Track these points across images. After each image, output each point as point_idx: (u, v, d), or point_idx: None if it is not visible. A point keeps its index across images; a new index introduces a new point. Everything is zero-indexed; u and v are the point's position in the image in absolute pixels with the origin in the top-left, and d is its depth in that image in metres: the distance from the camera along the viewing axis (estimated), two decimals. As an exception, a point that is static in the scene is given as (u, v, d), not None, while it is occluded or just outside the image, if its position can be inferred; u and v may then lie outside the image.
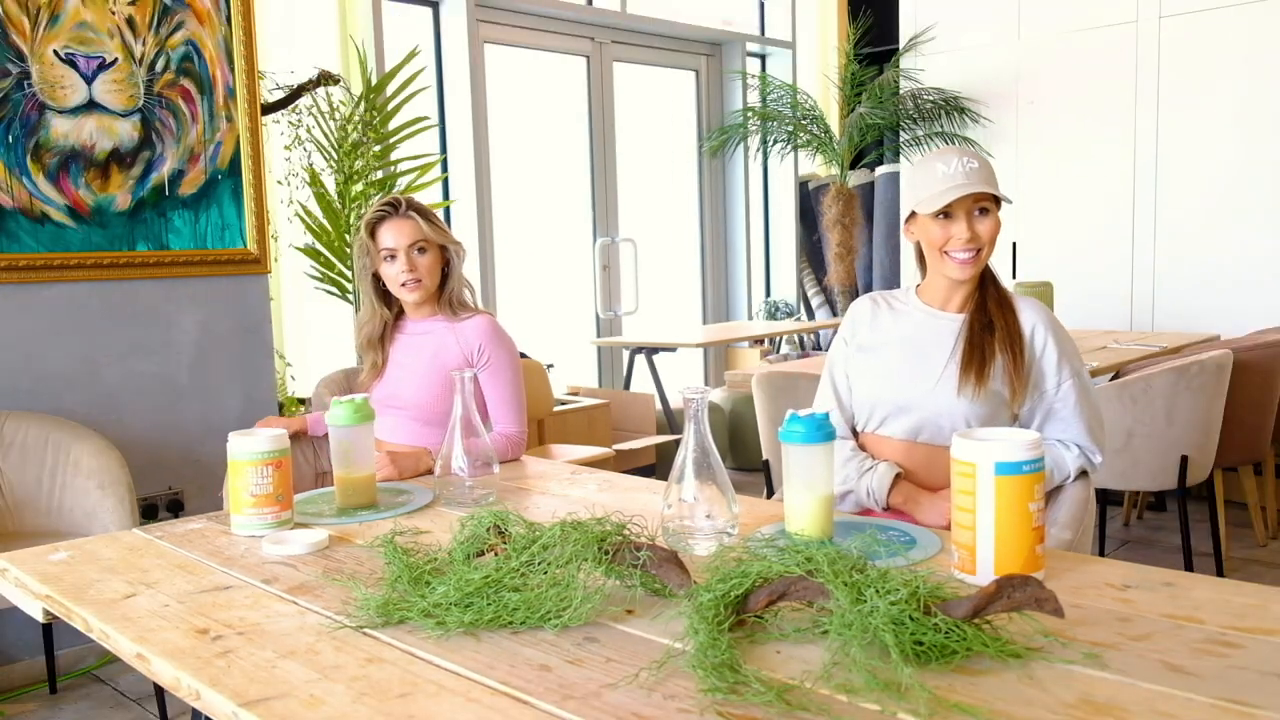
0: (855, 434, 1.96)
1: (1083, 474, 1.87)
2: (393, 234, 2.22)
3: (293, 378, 4.07)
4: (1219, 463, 3.42)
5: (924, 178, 1.81)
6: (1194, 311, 4.85)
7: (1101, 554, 3.63)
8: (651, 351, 5.12)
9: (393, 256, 2.23)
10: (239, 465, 1.65)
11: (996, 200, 1.81)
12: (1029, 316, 1.84)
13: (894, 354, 1.89)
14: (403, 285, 2.23)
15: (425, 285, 2.25)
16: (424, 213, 2.25)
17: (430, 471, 2.01)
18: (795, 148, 6.24)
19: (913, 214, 1.85)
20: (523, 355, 4.64)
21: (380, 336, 2.32)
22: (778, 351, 6.30)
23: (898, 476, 1.84)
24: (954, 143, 5.54)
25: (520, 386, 2.32)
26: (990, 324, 1.83)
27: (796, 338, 6.56)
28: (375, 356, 2.31)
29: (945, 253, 1.81)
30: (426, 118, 4.04)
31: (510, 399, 2.28)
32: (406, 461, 2.09)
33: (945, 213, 1.79)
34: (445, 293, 2.31)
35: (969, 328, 1.83)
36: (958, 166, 1.78)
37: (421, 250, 2.23)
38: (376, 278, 2.29)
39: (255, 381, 3.38)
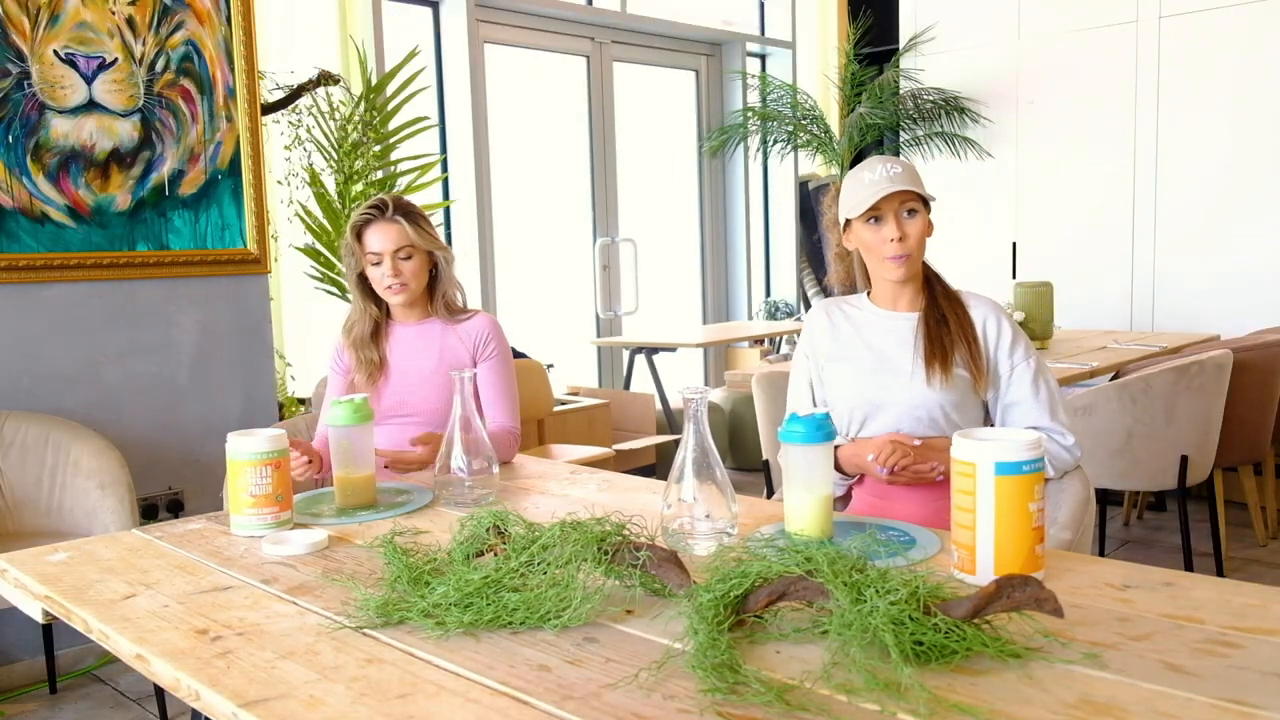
0: None
1: (1077, 469, 1.88)
2: (378, 238, 2.18)
3: (293, 378, 4.07)
4: (1219, 463, 3.42)
5: (853, 186, 1.91)
6: (1194, 311, 4.85)
7: (1101, 554, 3.63)
8: (651, 351, 5.12)
9: (378, 261, 2.19)
10: (238, 465, 1.65)
11: (925, 203, 1.90)
12: (979, 310, 1.92)
13: (862, 360, 1.95)
14: (388, 289, 2.20)
15: (410, 289, 2.21)
16: (411, 215, 2.21)
17: None
18: (795, 148, 6.24)
19: (849, 222, 1.94)
20: (520, 355, 4.65)
21: (373, 335, 2.27)
22: (778, 351, 6.30)
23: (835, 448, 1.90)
24: (954, 143, 5.53)
25: (515, 384, 2.32)
26: (944, 318, 1.91)
27: (796, 338, 6.56)
28: (371, 355, 2.26)
29: (881, 257, 1.90)
30: (426, 118, 4.04)
31: (507, 394, 2.28)
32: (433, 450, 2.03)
33: (875, 216, 1.88)
34: (436, 296, 2.28)
35: (924, 324, 1.91)
36: (882, 172, 1.87)
37: (407, 256, 2.19)
38: (363, 277, 2.26)
39: (255, 381, 3.38)
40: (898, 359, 1.91)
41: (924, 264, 1.96)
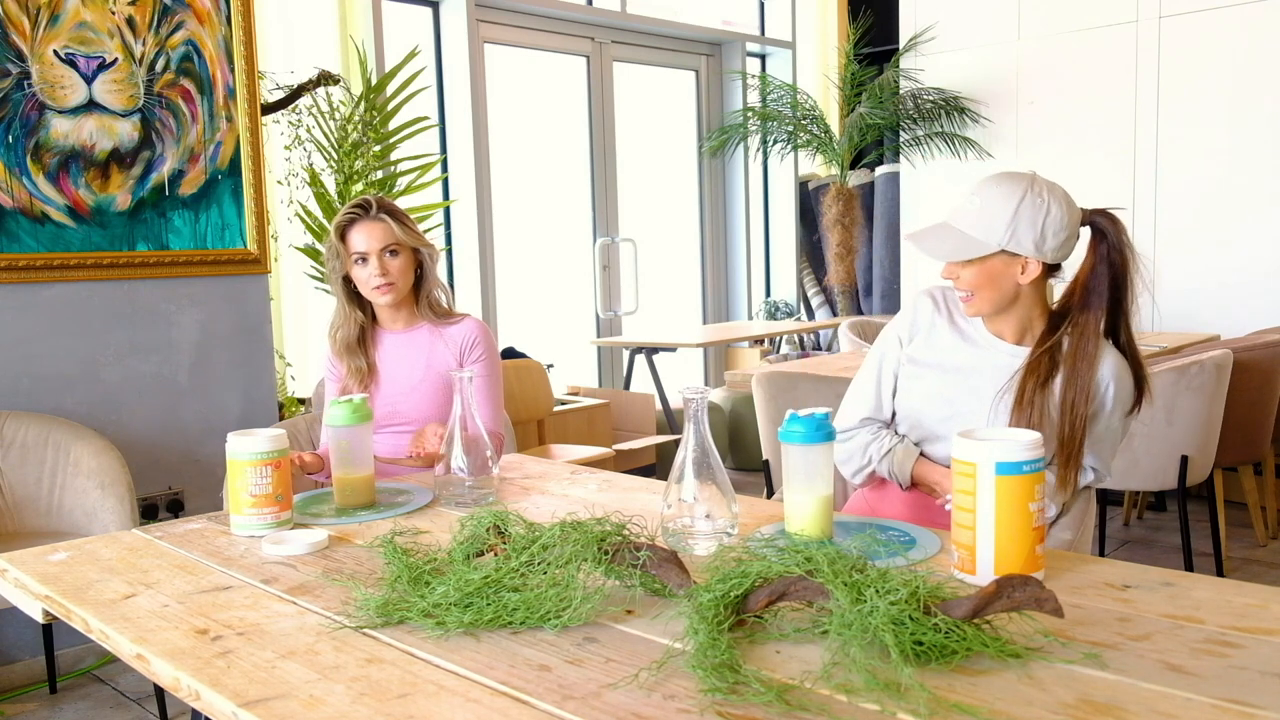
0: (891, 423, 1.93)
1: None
2: (364, 237, 2.18)
3: (293, 378, 4.07)
4: (1219, 463, 3.42)
5: None
6: (1194, 311, 4.85)
7: (1101, 554, 3.63)
8: (651, 351, 5.12)
9: (364, 259, 2.18)
10: (238, 465, 1.65)
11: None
12: (1104, 374, 1.72)
13: (941, 383, 1.81)
14: (375, 289, 2.19)
15: (398, 288, 2.21)
16: (395, 214, 2.21)
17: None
18: (795, 148, 6.24)
19: None
20: (520, 355, 4.65)
21: (358, 340, 2.26)
22: (778, 351, 6.30)
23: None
24: (954, 143, 5.53)
25: (501, 388, 2.31)
26: (1050, 374, 1.70)
27: (796, 338, 6.56)
28: (359, 362, 2.25)
29: None
30: (426, 118, 4.04)
31: (492, 399, 2.26)
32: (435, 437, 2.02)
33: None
34: (421, 296, 2.28)
35: (1021, 382, 1.70)
36: (960, 202, 1.72)
37: (393, 253, 2.19)
38: (348, 280, 2.25)
39: (255, 381, 3.38)
40: (978, 397, 1.75)
41: (1049, 301, 1.77)
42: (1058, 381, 1.71)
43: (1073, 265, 1.79)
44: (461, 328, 2.27)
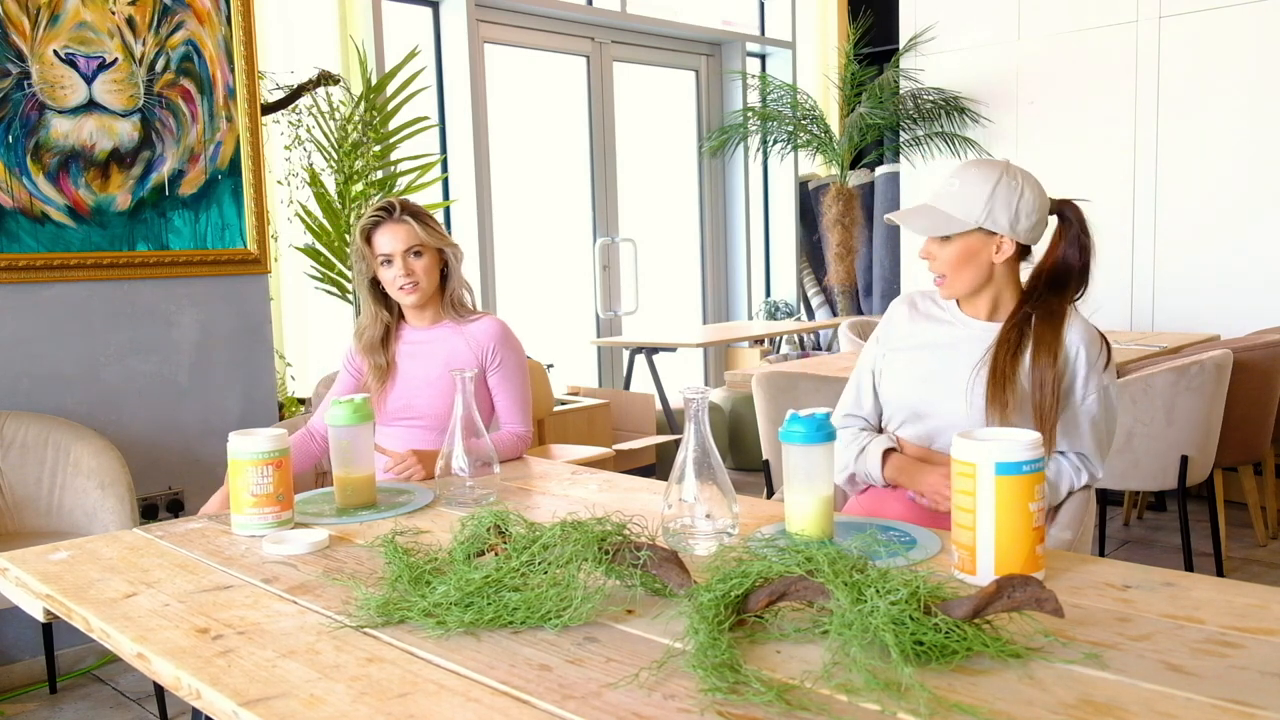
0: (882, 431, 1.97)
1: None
2: (388, 239, 2.21)
3: (293, 378, 4.07)
4: (1219, 463, 3.42)
5: None
6: (1194, 311, 4.85)
7: (1101, 554, 3.63)
8: (651, 351, 5.12)
9: (389, 261, 2.22)
10: (239, 465, 1.66)
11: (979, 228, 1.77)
12: (1071, 340, 1.79)
13: (920, 361, 1.88)
14: (400, 289, 2.23)
15: (423, 288, 2.24)
16: (419, 216, 2.25)
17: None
18: (795, 148, 6.24)
19: None
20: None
21: (382, 340, 2.31)
22: (778, 351, 6.30)
23: (888, 451, 1.87)
24: (954, 143, 5.53)
25: (528, 387, 2.34)
26: (1020, 345, 1.77)
27: (796, 338, 6.56)
28: (379, 359, 2.29)
29: None
30: (426, 118, 4.05)
31: (520, 400, 2.31)
32: (431, 460, 2.07)
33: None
34: (445, 295, 2.31)
35: (994, 356, 1.77)
36: (940, 185, 1.81)
37: (418, 254, 2.23)
38: (375, 281, 2.29)
39: (255, 381, 3.38)
40: (956, 370, 1.80)
41: (1020, 278, 1.83)
42: (1029, 353, 1.77)
43: (1039, 254, 1.88)
44: (482, 326, 2.30)
